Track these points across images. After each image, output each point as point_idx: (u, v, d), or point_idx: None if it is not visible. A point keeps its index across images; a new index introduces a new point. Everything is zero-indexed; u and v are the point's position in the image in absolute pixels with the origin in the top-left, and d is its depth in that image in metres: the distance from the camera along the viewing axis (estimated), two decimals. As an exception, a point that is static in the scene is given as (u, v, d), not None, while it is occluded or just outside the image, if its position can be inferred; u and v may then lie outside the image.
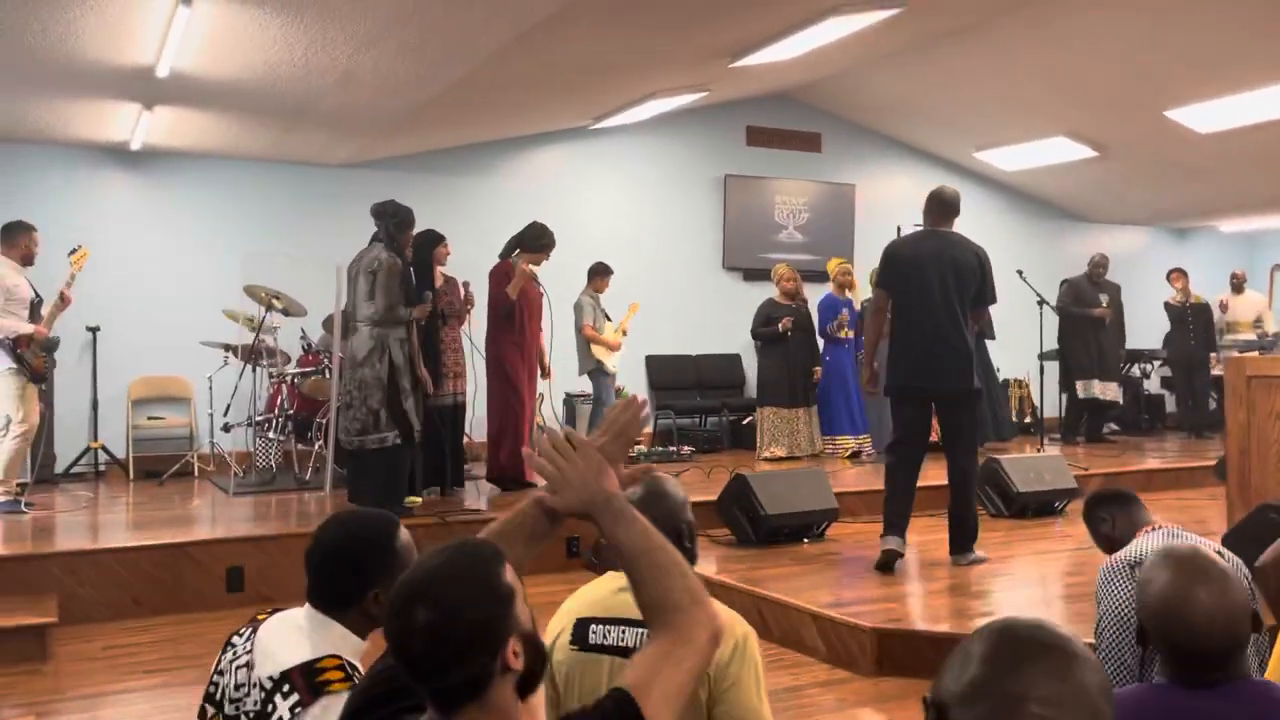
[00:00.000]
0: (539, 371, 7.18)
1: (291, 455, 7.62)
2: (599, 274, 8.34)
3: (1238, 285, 10.80)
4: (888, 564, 5.07)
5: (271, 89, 6.56)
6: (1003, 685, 1.05)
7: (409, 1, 5.12)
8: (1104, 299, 9.82)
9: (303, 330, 7.84)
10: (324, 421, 7.13)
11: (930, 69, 9.01)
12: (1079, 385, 9.79)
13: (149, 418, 8.26)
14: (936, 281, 5.00)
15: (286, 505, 6.65)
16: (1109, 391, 9.83)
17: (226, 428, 7.60)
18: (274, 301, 7.36)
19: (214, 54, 5.82)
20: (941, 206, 5.18)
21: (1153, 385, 11.68)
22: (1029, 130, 9.91)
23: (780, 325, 8.47)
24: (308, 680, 1.84)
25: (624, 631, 2.02)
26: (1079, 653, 1.08)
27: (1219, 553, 2.40)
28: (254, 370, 7.51)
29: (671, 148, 10.06)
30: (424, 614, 1.32)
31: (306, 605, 1.97)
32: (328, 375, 7.20)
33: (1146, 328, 11.74)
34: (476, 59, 6.18)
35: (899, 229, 8.02)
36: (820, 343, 8.78)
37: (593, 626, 2.07)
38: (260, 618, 2.01)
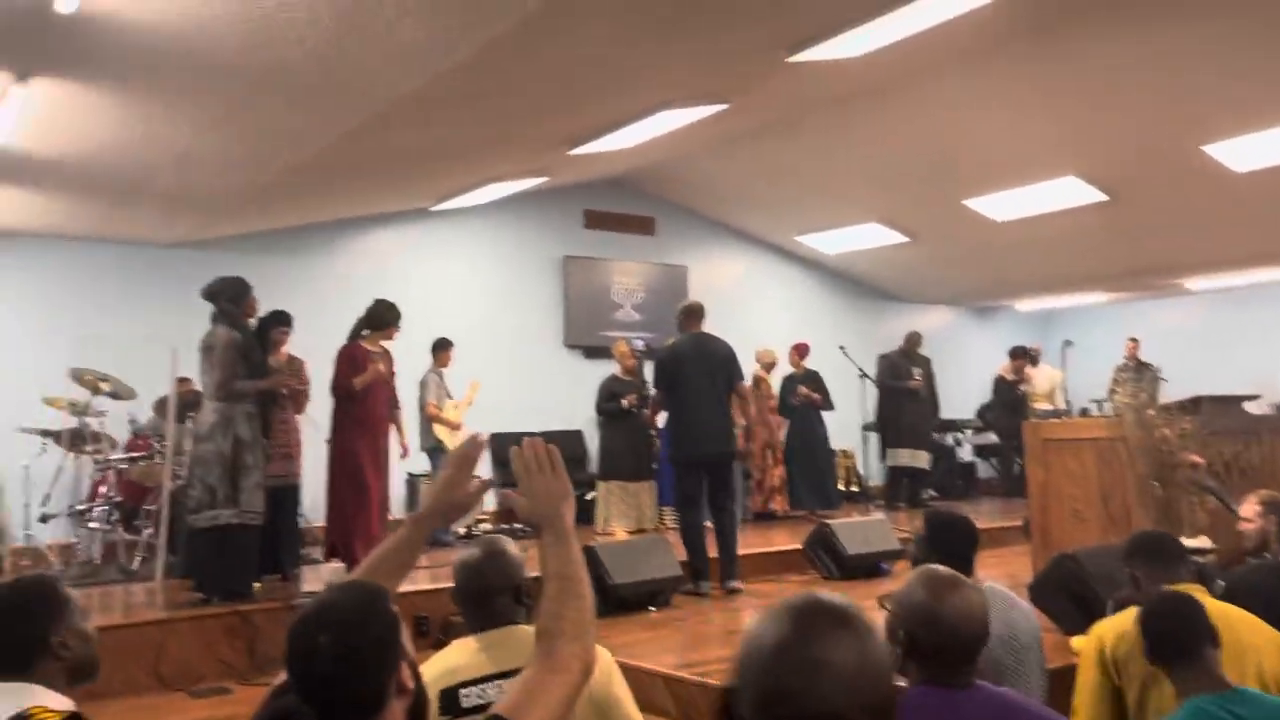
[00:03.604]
0: (400, 451, 7.18)
1: (116, 546, 7.26)
2: (442, 348, 8.42)
3: (1034, 359, 11.74)
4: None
5: (102, 166, 6.42)
6: (805, 651, 1.10)
7: (260, 86, 5.18)
8: (917, 372, 10.55)
9: (131, 415, 7.55)
10: (154, 508, 6.86)
11: (753, 158, 9.62)
12: (889, 454, 10.42)
13: (-45, 512, 7.72)
14: (700, 374, 6.29)
15: (113, 597, 6.32)
16: (919, 459, 10.48)
17: (45, 518, 7.20)
18: (100, 385, 7.09)
19: (43, 131, 5.69)
20: (695, 315, 6.53)
21: (965, 453, 12.53)
22: (845, 216, 10.66)
23: (625, 401, 8.73)
24: None
25: (501, 687, 2.05)
26: (872, 626, 1.16)
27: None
28: (76, 457, 7.17)
29: (512, 230, 10.30)
30: (326, 637, 1.47)
31: None
32: (158, 460, 6.95)
33: (955, 399, 12.63)
34: (319, 144, 6.25)
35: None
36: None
37: (463, 691, 2.12)
38: None
